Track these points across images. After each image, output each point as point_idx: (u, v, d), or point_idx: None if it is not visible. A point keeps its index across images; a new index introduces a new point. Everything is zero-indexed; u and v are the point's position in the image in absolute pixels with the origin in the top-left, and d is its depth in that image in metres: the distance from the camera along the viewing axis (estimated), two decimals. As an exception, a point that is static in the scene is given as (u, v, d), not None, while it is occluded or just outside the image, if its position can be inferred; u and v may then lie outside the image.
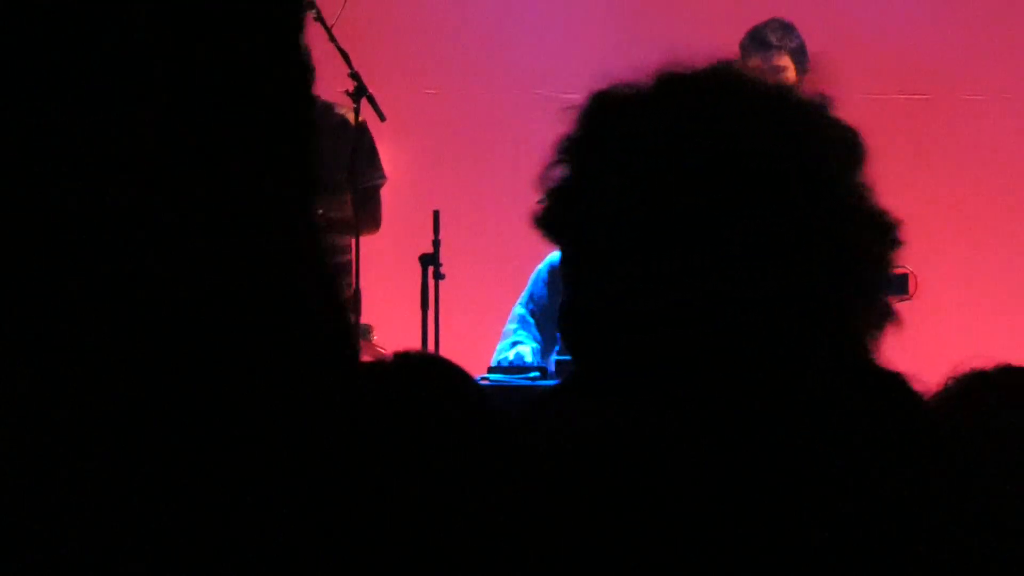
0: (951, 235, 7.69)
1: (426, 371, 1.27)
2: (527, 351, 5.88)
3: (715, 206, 1.28)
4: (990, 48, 7.94)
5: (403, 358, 1.31)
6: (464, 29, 7.89)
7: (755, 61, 6.47)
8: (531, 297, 6.03)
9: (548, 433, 1.26)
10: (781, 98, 1.35)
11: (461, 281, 6.31)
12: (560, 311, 1.35)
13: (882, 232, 1.36)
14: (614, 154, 1.32)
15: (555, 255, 5.94)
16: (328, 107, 6.32)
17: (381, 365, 1.29)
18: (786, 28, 6.60)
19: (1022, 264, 7.78)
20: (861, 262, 1.34)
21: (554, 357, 5.66)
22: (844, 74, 7.49)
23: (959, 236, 7.76)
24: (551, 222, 1.38)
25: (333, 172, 6.19)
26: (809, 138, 1.33)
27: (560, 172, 1.38)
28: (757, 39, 6.54)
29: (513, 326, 6.01)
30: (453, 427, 1.22)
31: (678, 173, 1.29)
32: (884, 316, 1.36)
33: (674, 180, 1.28)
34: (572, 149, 1.37)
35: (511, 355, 5.89)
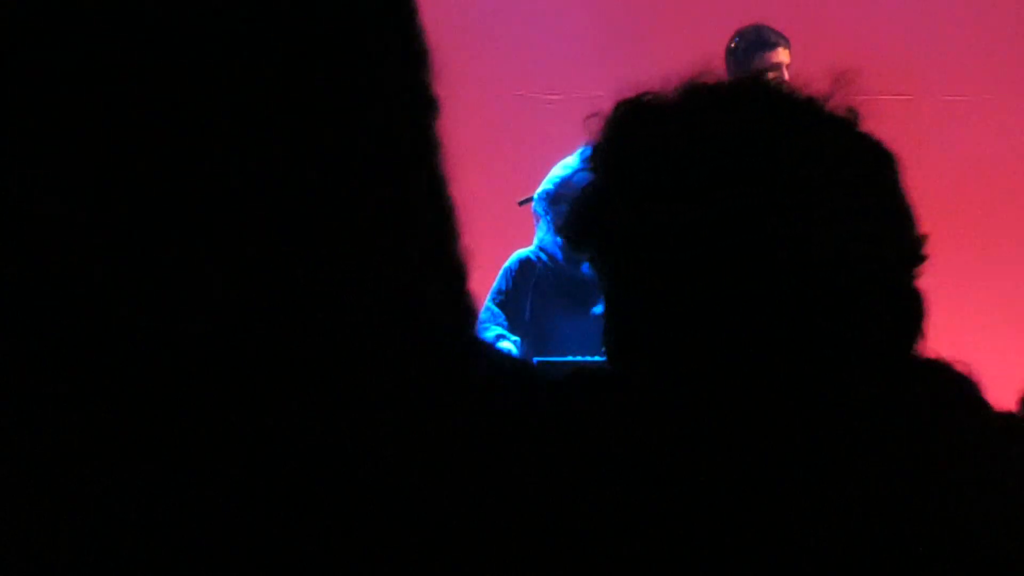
0: (935, 235, 7.70)
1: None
2: (512, 346, 5.89)
3: (745, 215, 1.29)
4: (971, 49, 7.96)
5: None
6: (445, 30, 7.88)
7: (759, 61, 6.48)
8: (498, 290, 6.05)
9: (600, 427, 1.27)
10: (811, 110, 1.35)
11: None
12: (605, 321, 1.36)
13: (910, 244, 1.38)
14: (642, 162, 1.33)
15: (523, 251, 5.97)
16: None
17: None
18: (771, 28, 6.62)
19: (1006, 265, 7.81)
20: (888, 272, 1.34)
21: (536, 359, 5.67)
22: (827, 75, 7.50)
23: (941, 237, 7.76)
24: (578, 230, 1.38)
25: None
26: (838, 148, 1.34)
27: (586, 180, 1.38)
28: (757, 40, 6.54)
29: (484, 316, 6.02)
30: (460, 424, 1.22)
31: (708, 181, 1.29)
32: (917, 320, 1.38)
33: (704, 188, 1.29)
34: (598, 157, 1.37)
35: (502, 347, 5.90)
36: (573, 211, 1.38)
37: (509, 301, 6.03)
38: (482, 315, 6.07)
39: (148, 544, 1.05)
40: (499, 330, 5.97)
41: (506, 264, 6.03)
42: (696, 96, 1.36)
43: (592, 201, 1.38)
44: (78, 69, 1.03)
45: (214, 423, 1.05)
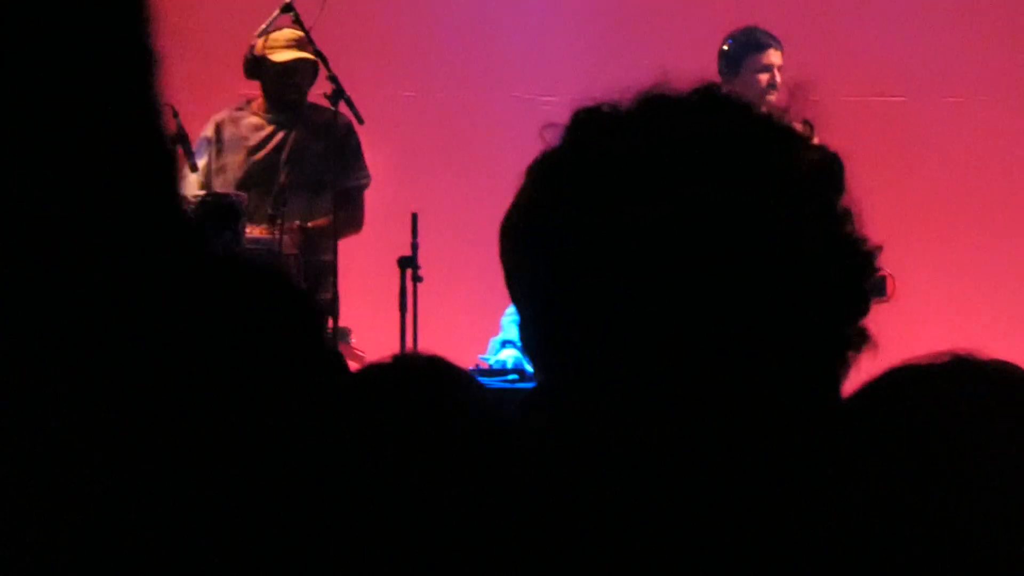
0: (929, 237, 7.71)
1: (428, 373, 1.27)
2: (510, 357, 5.87)
3: (691, 226, 1.29)
4: (966, 51, 7.96)
5: (404, 360, 1.31)
6: (442, 32, 7.89)
7: (750, 63, 6.48)
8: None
9: (539, 437, 1.27)
10: (766, 123, 1.36)
11: (439, 284, 6.30)
12: (521, 328, 1.36)
13: (860, 260, 1.37)
14: (593, 171, 1.33)
15: None
16: (314, 108, 6.32)
17: (381, 367, 1.29)
18: (763, 30, 6.62)
19: (1000, 264, 7.81)
20: (837, 289, 1.34)
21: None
22: (821, 77, 7.50)
23: (937, 238, 7.78)
24: (520, 235, 1.38)
25: (321, 173, 6.19)
26: (791, 163, 1.34)
27: (535, 187, 1.38)
28: (749, 42, 6.54)
29: (507, 320, 6.00)
30: (458, 429, 1.22)
31: (657, 192, 1.30)
32: (860, 341, 1.37)
33: (652, 198, 1.29)
34: (550, 165, 1.37)
35: (494, 359, 5.89)
36: (519, 217, 1.38)
37: None
38: (505, 315, 6.05)
39: (148, 544, 1.05)
40: (506, 335, 5.95)
41: None
42: (651, 106, 1.36)
43: (534, 208, 1.38)
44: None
45: (214, 423, 1.06)
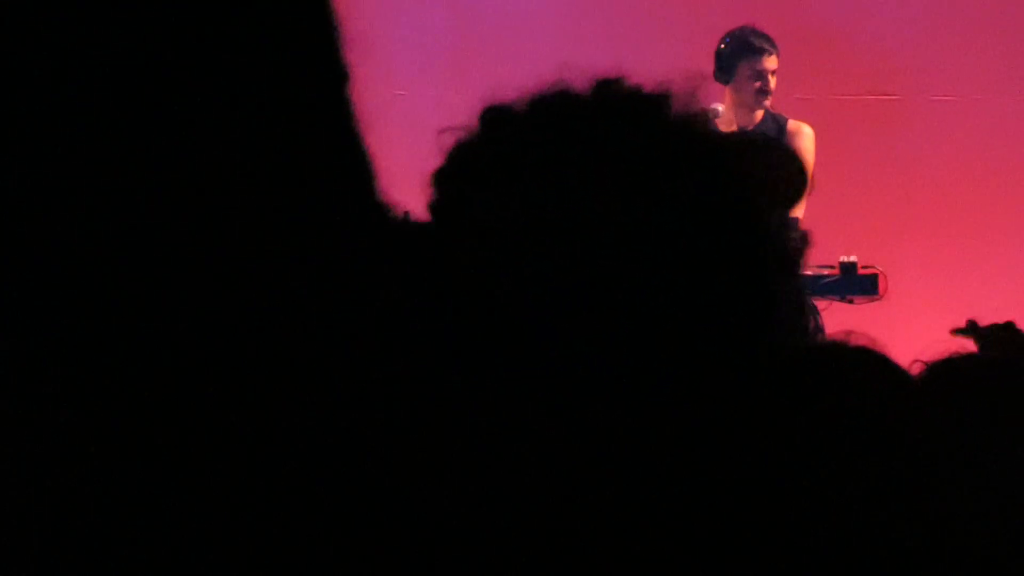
0: (921, 235, 7.72)
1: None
2: None
3: (582, 218, 1.29)
4: (960, 50, 7.96)
5: None
6: (433, 30, 7.89)
7: (744, 67, 6.47)
8: None
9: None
10: (660, 115, 1.35)
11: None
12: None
13: (763, 263, 1.36)
14: (492, 169, 1.35)
15: None
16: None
17: None
18: (760, 33, 6.61)
19: (992, 263, 7.81)
20: (728, 294, 1.33)
21: None
22: (815, 75, 7.51)
23: (929, 236, 7.78)
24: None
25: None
26: (678, 151, 1.34)
27: (439, 188, 1.41)
28: (744, 45, 6.53)
29: None
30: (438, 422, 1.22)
31: (549, 189, 1.30)
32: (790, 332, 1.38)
33: (544, 195, 1.30)
34: (455, 162, 1.39)
35: None
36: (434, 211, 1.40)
37: None
38: None
39: (148, 544, 1.05)
40: None
41: None
42: (547, 104, 1.37)
43: (439, 207, 1.40)
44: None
45: (214, 423, 1.06)
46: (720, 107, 6.41)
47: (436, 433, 1.17)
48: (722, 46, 6.56)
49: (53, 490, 1.03)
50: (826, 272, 6.33)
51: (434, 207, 1.39)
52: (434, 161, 1.41)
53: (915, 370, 1.64)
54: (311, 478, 1.07)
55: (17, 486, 1.03)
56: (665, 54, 6.58)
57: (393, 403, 1.13)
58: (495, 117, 1.37)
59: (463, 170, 1.36)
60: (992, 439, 1.58)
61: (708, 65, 6.46)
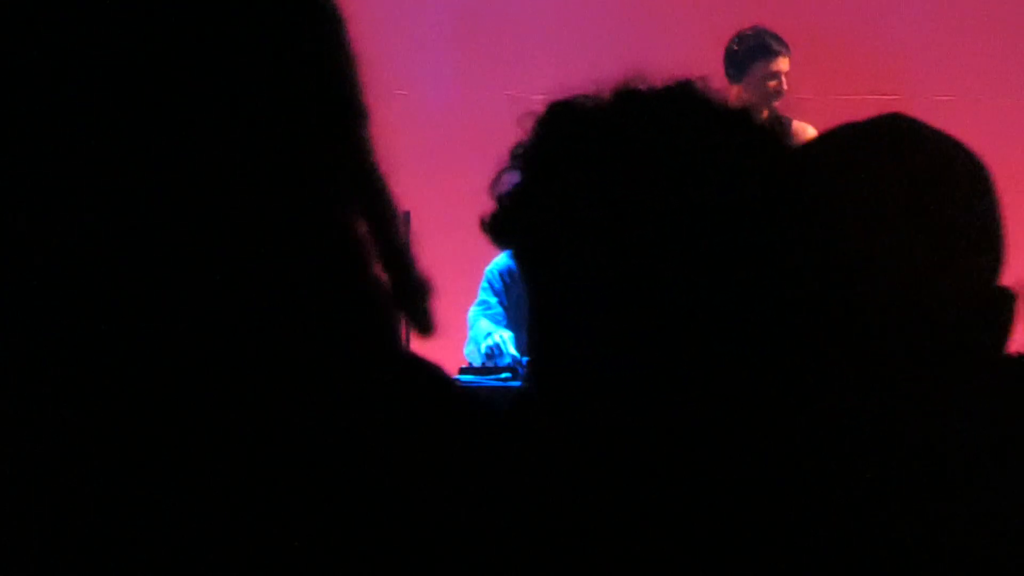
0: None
1: (409, 371, 1.27)
2: (507, 338, 5.86)
3: (666, 218, 1.29)
4: (960, 50, 7.97)
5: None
6: (434, 30, 7.89)
7: (757, 68, 6.47)
8: (489, 284, 6.03)
9: (534, 436, 1.27)
10: (740, 119, 1.36)
11: (432, 282, 6.29)
12: (529, 316, 1.37)
13: (832, 256, 1.37)
14: (568, 163, 1.34)
15: (501, 259, 5.95)
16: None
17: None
18: (773, 34, 6.61)
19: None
20: (802, 282, 1.34)
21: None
22: (815, 75, 7.51)
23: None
24: (501, 227, 1.39)
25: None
26: (763, 158, 1.34)
27: (512, 178, 1.39)
28: (758, 46, 6.53)
29: (476, 310, 6.01)
30: (439, 427, 1.22)
31: (631, 184, 1.30)
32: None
33: (627, 191, 1.30)
34: (526, 156, 1.38)
35: (491, 340, 5.86)
36: (498, 208, 1.39)
37: (502, 293, 6.01)
38: (474, 308, 6.06)
39: (148, 544, 1.05)
40: (490, 324, 5.96)
41: (485, 276, 6.03)
42: (626, 101, 1.37)
43: (514, 199, 1.39)
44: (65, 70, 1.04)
45: (214, 423, 1.06)
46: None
47: (437, 432, 1.17)
48: (735, 47, 6.55)
49: (53, 490, 1.03)
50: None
51: (513, 194, 1.37)
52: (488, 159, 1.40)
53: None
54: (311, 478, 1.07)
55: (17, 486, 1.04)
56: (665, 54, 6.58)
57: (393, 403, 1.13)
58: (571, 115, 1.36)
59: (547, 162, 1.35)
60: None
61: (709, 65, 6.45)
